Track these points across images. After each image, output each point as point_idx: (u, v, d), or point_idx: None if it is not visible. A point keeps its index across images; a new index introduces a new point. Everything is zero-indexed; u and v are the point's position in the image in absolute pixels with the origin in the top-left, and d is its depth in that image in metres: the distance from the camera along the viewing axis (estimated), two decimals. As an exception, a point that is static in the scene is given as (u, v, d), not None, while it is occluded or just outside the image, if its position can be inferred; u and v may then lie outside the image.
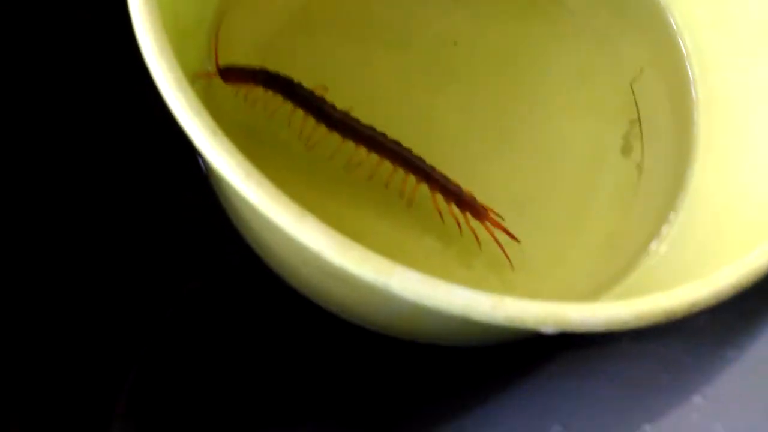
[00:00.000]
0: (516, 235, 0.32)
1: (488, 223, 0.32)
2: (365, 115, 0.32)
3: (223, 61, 0.32)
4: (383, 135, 0.32)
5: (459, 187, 0.32)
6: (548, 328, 0.20)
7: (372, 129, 0.32)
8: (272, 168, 0.32)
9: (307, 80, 0.33)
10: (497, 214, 0.32)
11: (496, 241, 0.32)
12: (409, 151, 0.32)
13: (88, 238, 0.35)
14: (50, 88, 0.36)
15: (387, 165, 0.32)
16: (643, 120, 0.36)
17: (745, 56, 0.31)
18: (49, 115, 0.35)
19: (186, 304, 0.37)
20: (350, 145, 0.32)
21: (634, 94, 0.36)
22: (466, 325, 0.21)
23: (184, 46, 0.27)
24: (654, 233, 0.33)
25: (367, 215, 0.32)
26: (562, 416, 0.28)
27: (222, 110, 0.33)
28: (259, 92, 0.32)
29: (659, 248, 0.32)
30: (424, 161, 0.32)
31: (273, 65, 0.33)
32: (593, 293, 0.32)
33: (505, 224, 0.32)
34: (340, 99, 0.33)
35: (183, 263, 0.37)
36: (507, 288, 0.32)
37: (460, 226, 0.32)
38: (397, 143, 0.32)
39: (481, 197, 0.33)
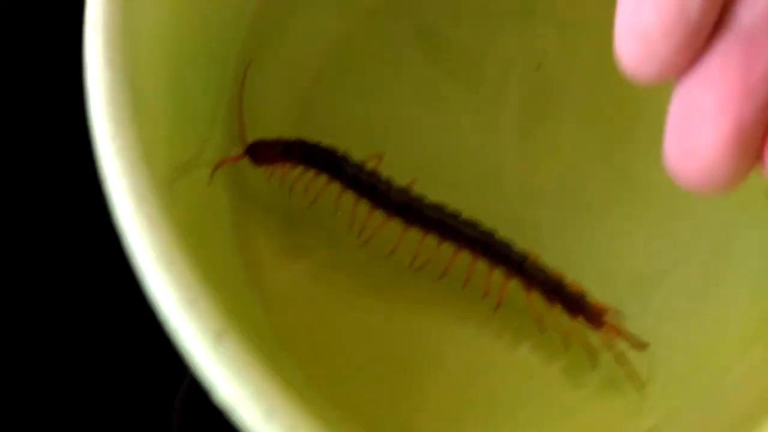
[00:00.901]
0: (643, 340, 0.25)
1: (606, 329, 0.24)
2: (432, 187, 0.26)
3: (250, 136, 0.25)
4: (456, 216, 0.25)
5: (562, 281, 0.25)
6: None
7: (442, 210, 0.25)
8: (319, 270, 0.26)
9: (356, 147, 0.26)
10: (617, 313, 0.25)
11: (617, 356, 0.25)
12: (492, 234, 0.25)
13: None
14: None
15: (464, 256, 0.25)
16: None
17: None
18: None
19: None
20: (416, 233, 0.25)
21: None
22: None
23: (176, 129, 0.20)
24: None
25: (444, 322, 0.26)
26: None
27: (255, 197, 0.26)
28: (296, 172, 0.26)
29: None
30: (512, 247, 0.25)
31: (311, 133, 0.26)
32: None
33: (628, 308, 0.25)
34: (399, 168, 0.26)
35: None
36: (635, 413, 0.24)
37: (566, 337, 0.25)
38: (475, 225, 0.25)
39: (591, 286, 0.25)
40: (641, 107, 0.28)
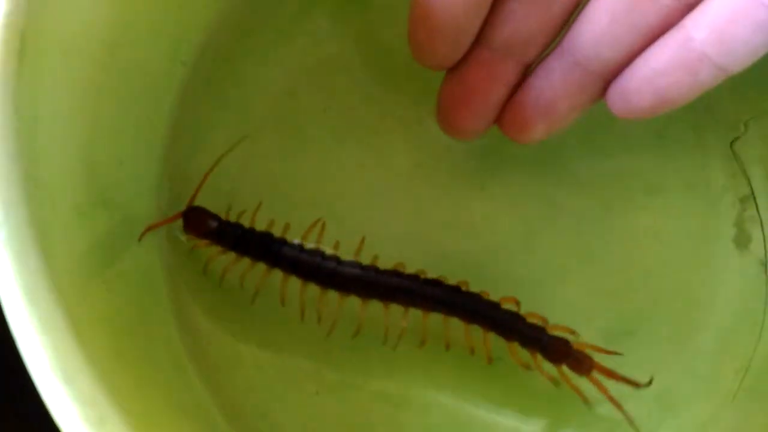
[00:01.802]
0: (636, 380, 0.23)
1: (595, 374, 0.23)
2: (384, 241, 0.25)
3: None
4: (417, 278, 0.23)
5: (542, 329, 0.23)
6: None
7: (400, 275, 0.23)
8: (276, 354, 0.24)
9: (299, 198, 0.25)
10: (609, 353, 0.24)
11: (610, 398, 0.23)
12: (459, 290, 0.23)
13: None
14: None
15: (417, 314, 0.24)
16: (758, 195, 0.27)
17: None
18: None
19: None
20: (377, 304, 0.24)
21: (738, 160, 0.27)
22: None
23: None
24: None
25: (417, 386, 0.24)
26: None
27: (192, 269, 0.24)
28: (230, 257, 0.24)
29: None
30: (482, 299, 0.23)
31: (249, 187, 0.25)
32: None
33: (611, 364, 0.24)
34: (347, 223, 0.25)
35: None
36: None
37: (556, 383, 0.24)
38: (439, 283, 0.23)
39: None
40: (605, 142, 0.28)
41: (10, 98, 0.14)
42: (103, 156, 0.19)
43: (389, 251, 0.24)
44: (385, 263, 0.24)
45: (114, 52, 0.20)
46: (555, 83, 0.22)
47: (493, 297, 0.24)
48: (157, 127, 0.24)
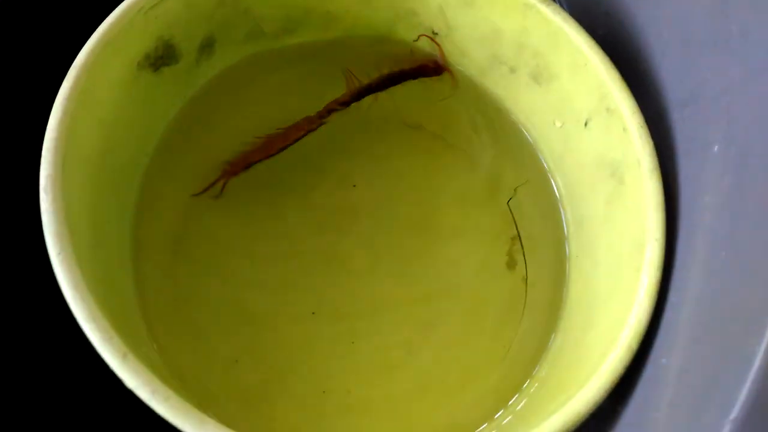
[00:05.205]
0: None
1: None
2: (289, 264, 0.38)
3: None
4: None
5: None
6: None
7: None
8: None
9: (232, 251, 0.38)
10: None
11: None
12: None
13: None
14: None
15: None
16: (523, 236, 0.41)
17: (585, 187, 0.36)
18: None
19: None
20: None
21: (511, 212, 0.41)
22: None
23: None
24: (543, 346, 0.37)
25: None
26: None
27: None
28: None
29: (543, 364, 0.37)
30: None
31: (193, 237, 0.38)
32: (498, 406, 0.36)
33: (413, 347, 0.37)
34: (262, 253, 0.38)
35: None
36: (425, 408, 0.36)
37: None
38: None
39: (389, 325, 0.38)
40: (423, 201, 0.42)
41: (60, 192, 0.28)
42: (100, 218, 0.33)
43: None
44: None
45: (104, 156, 0.34)
46: None
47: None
48: (129, 198, 0.38)
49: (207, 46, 0.38)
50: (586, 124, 0.34)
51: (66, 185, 0.29)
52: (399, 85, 0.40)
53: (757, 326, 0.22)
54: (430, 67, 0.40)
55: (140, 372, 0.25)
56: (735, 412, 0.22)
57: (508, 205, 0.41)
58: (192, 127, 0.40)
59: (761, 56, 0.25)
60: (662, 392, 0.26)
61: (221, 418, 0.33)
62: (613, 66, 0.32)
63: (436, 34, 0.40)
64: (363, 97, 0.39)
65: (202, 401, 0.34)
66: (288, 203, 0.41)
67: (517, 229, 0.41)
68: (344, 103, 0.39)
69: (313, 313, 0.38)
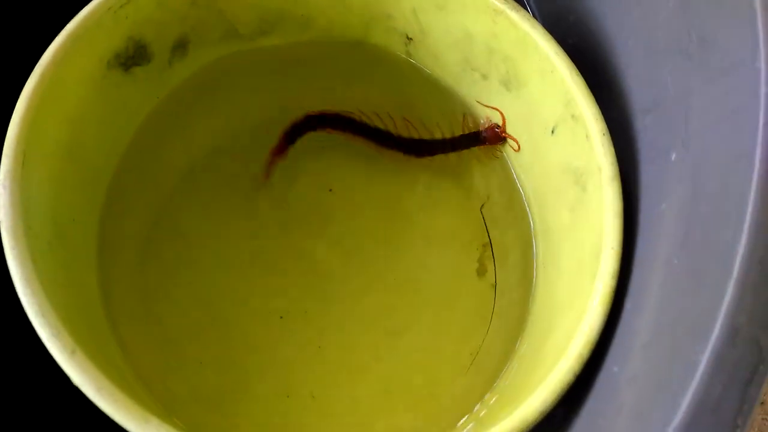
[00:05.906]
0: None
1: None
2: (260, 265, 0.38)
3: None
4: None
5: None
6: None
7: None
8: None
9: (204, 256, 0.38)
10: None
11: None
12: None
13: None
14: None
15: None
16: (494, 244, 0.41)
17: (552, 195, 0.36)
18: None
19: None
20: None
21: (484, 219, 0.41)
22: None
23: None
24: (509, 353, 0.37)
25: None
26: None
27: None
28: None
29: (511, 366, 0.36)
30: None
31: (164, 237, 0.38)
32: (463, 412, 0.36)
33: (379, 352, 0.37)
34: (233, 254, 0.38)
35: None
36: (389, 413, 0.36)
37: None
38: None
39: (357, 330, 0.37)
40: (397, 208, 0.42)
41: (18, 188, 0.28)
42: (63, 215, 0.33)
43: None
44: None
45: (71, 154, 0.34)
46: None
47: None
48: (97, 197, 0.38)
49: (180, 47, 0.38)
50: (552, 131, 0.34)
51: (26, 181, 0.29)
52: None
53: (703, 332, 0.22)
54: (492, 137, 0.39)
55: (87, 369, 0.25)
56: (678, 419, 0.21)
57: (481, 212, 0.41)
58: (165, 128, 0.40)
59: (717, 62, 0.25)
60: (612, 400, 0.26)
61: (184, 420, 0.34)
62: (578, 73, 0.32)
63: (411, 39, 0.40)
64: (433, 155, 0.40)
65: (166, 402, 0.34)
66: (261, 204, 0.41)
67: (488, 235, 0.40)
68: (418, 154, 0.40)
69: (281, 317, 0.38)
